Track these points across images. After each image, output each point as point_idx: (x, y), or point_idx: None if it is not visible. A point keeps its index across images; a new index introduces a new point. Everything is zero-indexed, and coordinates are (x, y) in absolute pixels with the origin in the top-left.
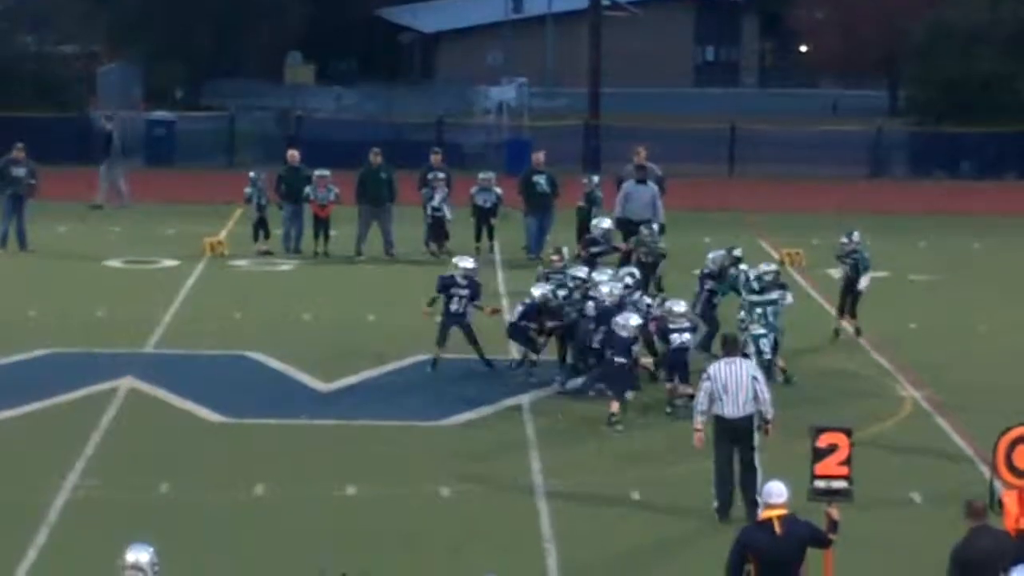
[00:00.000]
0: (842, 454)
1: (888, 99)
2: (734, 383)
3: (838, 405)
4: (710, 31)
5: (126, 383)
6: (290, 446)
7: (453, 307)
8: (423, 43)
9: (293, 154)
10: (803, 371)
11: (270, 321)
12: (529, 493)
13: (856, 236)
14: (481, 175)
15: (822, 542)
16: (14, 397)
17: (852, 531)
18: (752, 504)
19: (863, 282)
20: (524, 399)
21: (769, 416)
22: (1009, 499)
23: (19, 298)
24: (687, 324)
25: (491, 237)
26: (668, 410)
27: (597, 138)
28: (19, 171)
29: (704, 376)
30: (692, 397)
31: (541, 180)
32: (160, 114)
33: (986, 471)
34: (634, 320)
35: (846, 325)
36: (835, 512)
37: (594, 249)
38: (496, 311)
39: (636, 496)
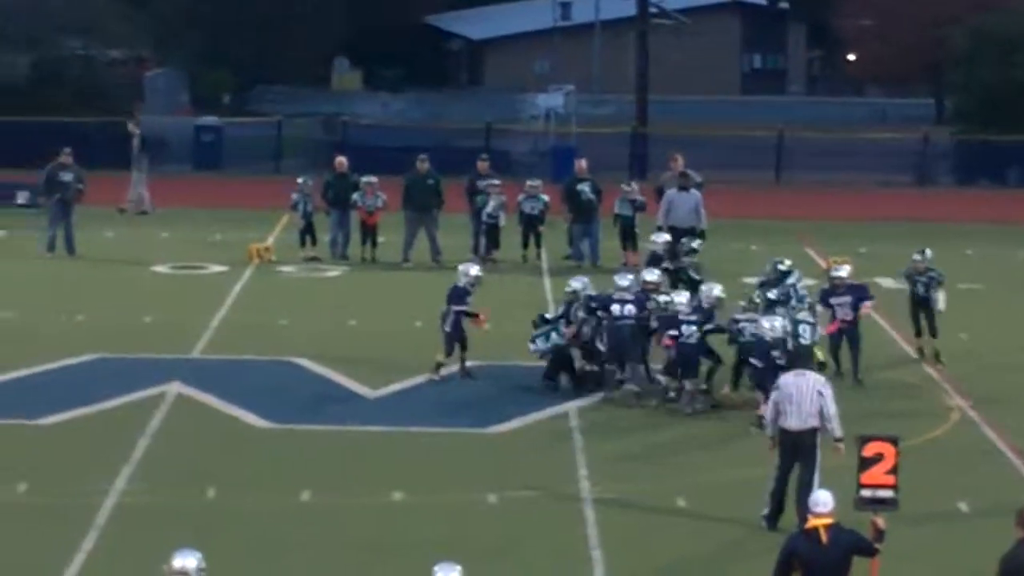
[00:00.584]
0: (888, 463)
1: (934, 107)
2: (799, 395)
3: (885, 414)
4: (757, 39)
5: (173, 388)
6: (336, 452)
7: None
8: (471, 50)
9: (341, 161)
10: (851, 380)
11: (317, 327)
12: (576, 500)
13: (928, 253)
14: (528, 183)
15: (868, 551)
16: (62, 401)
17: (898, 540)
18: (804, 519)
19: (941, 301)
20: (571, 406)
21: (838, 434)
22: None
23: (67, 303)
24: (695, 318)
25: (538, 245)
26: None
27: (644, 145)
28: (67, 176)
29: (774, 387)
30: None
31: (585, 188)
32: (207, 119)
33: None
34: (779, 322)
35: (922, 346)
36: (881, 521)
37: (666, 266)
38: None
39: (682, 503)
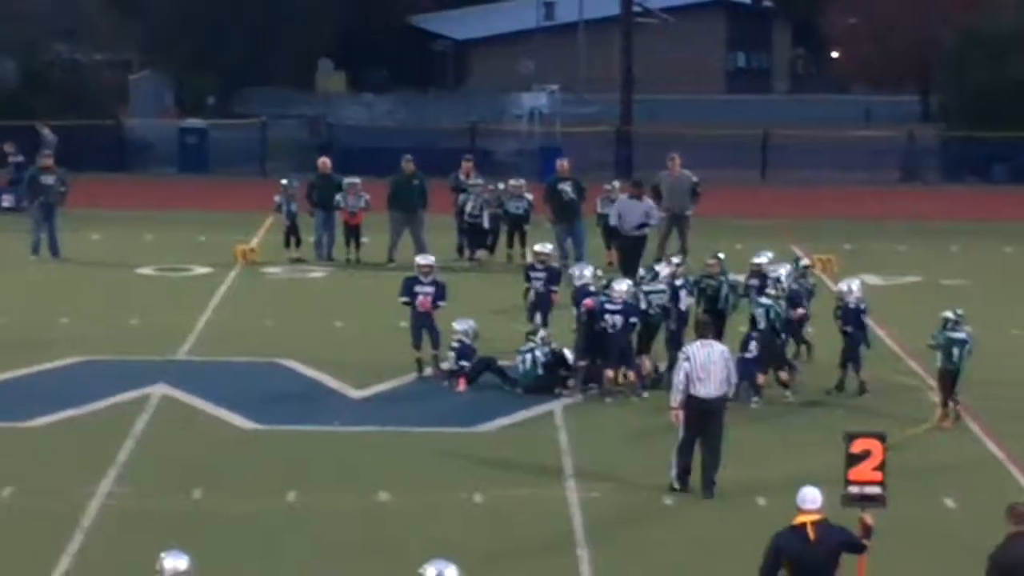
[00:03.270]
0: (876, 460)
1: (920, 105)
2: (711, 365)
3: (872, 411)
4: (741, 38)
5: (159, 390)
6: (322, 453)
7: (420, 307)
8: (455, 51)
9: (324, 162)
10: (835, 379)
11: (302, 328)
12: (562, 499)
13: (961, 311)
14: (512, 182)
15: (856, 548)
16: (48, 404)
17: (886, 537)
18: (711, 482)
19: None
20: (556, 405)
21: (730, 395)
22: None
23: (52, 306)
24: (621, 307)
25: (523, 244)
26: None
27: (629, 146)
28: (48, 179)
29: (683, 357)
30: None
31: (567, 188)
32: (192, 122)
33: (1019, 475)
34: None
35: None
36: (869, 518)
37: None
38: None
39: (668, 502)
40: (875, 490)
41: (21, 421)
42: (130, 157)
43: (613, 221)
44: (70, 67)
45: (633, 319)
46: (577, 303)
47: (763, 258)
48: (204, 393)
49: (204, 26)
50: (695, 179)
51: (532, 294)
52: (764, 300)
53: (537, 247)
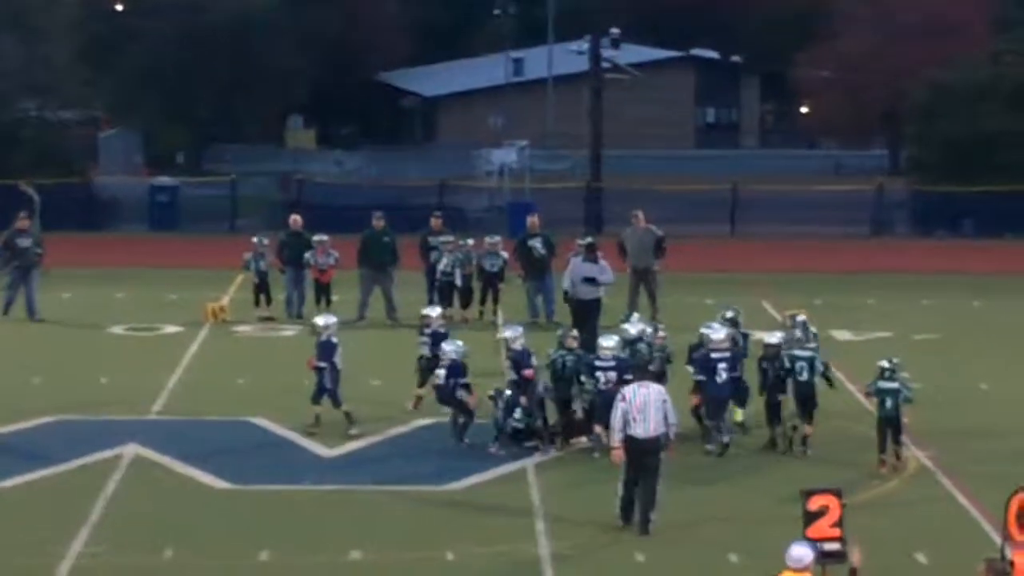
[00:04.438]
0: (833, 516)
1: (889, 159)
2: (648, 406)
3: (841, 465)
4: (711, 93)
5: (130, 450)
6: (294, 512)
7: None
8: (424, 107)
9: (296, 219)
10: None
11: (273, 386)
12: (534, 556)
13: (897, 360)
14: (488, 239)
15: None
16: (20, 464)
17: None
18: (646, 521)
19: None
20: (528, 463)
21: (672, 436)
22: (1020, 559)
23: (24, 365)
24: (613, 363)
25: (495, 301)
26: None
27: (599, 200)
28: (24, 242)
29: (619, 398)
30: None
31: (537, 244)
32: (163, 180)
33: (990, 529)
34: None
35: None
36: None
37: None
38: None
39: (640, 558)
40: (834, 546)
41: None
42: (100, 215)
43: (566, 283)
44: (39, 124)
45: (628, 375)
46: (516, 369)
47: (730, 313)
48: (176, 452)
49: (173, 81)
50: (660, 233)
51: (421, 359)
52: (804, 353)
53: (424, 311)
